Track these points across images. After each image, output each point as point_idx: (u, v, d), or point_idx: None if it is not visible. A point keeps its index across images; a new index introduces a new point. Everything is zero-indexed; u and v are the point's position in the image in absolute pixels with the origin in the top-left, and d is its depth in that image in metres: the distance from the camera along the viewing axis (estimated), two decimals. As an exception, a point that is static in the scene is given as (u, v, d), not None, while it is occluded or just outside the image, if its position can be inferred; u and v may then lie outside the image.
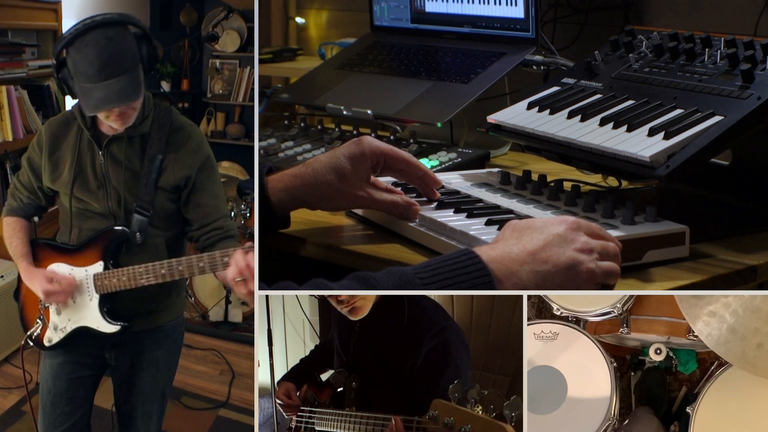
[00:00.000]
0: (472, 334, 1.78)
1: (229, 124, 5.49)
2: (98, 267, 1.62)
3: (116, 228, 1.62)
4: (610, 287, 1.07)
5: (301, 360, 1.81)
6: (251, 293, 1.38)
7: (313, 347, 1.85)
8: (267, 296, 1.56)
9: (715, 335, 1.24)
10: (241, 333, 3.60)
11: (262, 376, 1.71)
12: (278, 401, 1.67)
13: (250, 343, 3.49)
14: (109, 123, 1.57)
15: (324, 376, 1.72)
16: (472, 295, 1.79)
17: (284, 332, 2.14)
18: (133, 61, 1.50)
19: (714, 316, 1.24)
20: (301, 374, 1.73)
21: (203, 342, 3.50)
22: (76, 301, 1.65)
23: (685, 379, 1.49)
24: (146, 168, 1.59)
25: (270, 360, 1.66)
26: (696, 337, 1.30)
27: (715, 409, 1.31)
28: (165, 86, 5.34)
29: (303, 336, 2.12)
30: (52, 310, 1.69)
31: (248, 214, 3.93)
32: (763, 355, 1.22)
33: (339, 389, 1.57)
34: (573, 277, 1.01)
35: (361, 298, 1.47)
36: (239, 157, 5.21)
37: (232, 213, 3.89)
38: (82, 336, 1.68)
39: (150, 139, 1.60)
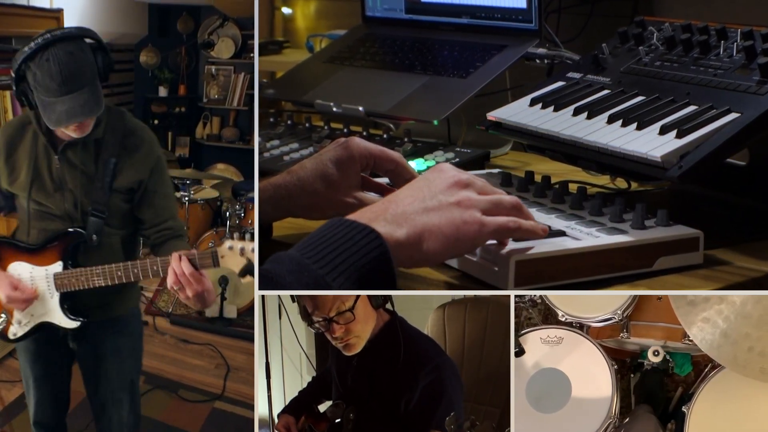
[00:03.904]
0: (464, 366, 1.86)
1: (225, 128, 6.11)
2: (58, 267, 1.79)
3: (74, 231, 1.79)
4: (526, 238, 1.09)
5: (300, 392, 1.88)
6: (189, 298, 1.59)
7: (310, 379, 1.93)
8: (263, 297, 1.69)
9: (708, 339, 1.40)
10: (236, 328, 3.96)
11: (260, 409, 1.85)
12: None
13: (245, 338, 3.87)
14: (69, 133, 1.71)
15: (321, 407, 1.81)
16: (464, 330, 1.89)
17: (282, 365, 2.24)
18: (92, 74, 1.65)
19: (708, 321, 1.39)
20: (300, 406, 1.82)
21: (199, 337, 3.92)
22: (38, 298, 1.82)
23: (681, 381, 1.66)
24: (101, 171, 1.75)
25: (268, 392, 1.81)
26: (691, 341, 1.46)
27: (709, 409, 1.47)
28: (163, 91, 6.00)
29: (300, 369, 2.23)
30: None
31: (243, 215, 4.23)
32: (753, 358, 1.36)
33: (336, 421, 1.63)
34: (460, 216, 1.02)
35: (354, 336, 1.56)
36: (234, 159, 5.91)
37: (227, 213, 4.08)
38: (45, 328, 1.86)
39: (104, 143, 1.76)
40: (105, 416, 2.02)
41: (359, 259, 0.97)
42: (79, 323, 1.82)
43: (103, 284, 1.74)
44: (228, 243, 1.53)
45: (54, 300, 1.81)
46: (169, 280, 1.58)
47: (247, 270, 1.52)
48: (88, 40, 1.68)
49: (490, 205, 1.06)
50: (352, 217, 1.02)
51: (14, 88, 1.67)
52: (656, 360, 1.62)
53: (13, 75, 1.65)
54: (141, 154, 1.79)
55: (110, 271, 1.72)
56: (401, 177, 1.30)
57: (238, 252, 1.51)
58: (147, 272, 1.69)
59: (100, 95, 1.66)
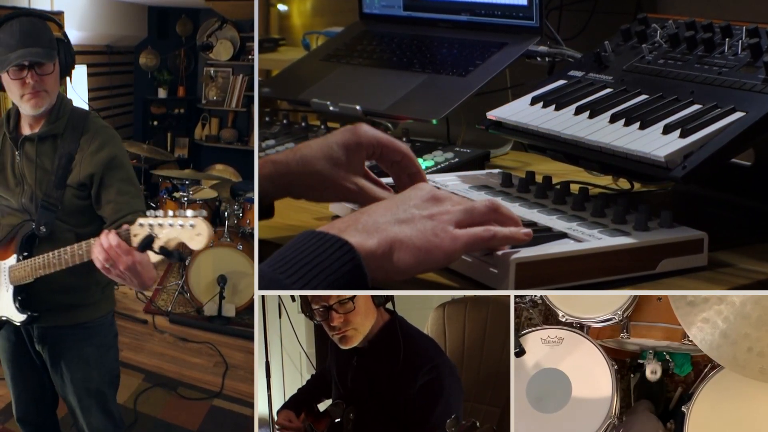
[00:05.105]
0: (464, 366, 1.87)
1: (223, 129, 6.21)
2: (12, 260, 1.84)
3: (23, 222, 1.84)
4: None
5: (299, 390, 1.89)
6: (121, 275, 1.57)
7: (309, 378, 1.94)
8: (263, 297, 1.72)
9: (708, 340, 1.41)
10: (234, 327, 4.02)
11: (260, 408, 1.86)
12: (279, 427, 1.77)
13: (243, 336, 3.92)
14: (24, 105, 1.77)
15: (321, 406, 1.82)
16: (464, 329, 1.90)
17: (281, 364, 2.24)
18: (51, 44, 1.76)
19: (707, 322, 1.41)
20: (299, 403, 1.83)
21: (198, 335, 3.97)
22: None
23: (680, 381, 1.69)
24: (56, 166, 1.80)
25: (268, 391, 1.82)
26: (691, 341, 1.48)
27: (709, 408, 1.49)
28: (162, 93, 6.12)
29: (300, 368, 2.25)
30: None
31: (241, 215, 4.28)
32: (752, 358, 1.38)
33: (336, 420, 1.64)
34: (432, 229, 1.01)
35: (352, 328, 1.57)
36: (233, 160, 5.98)
37: (225, 213, 4.10)
38: (12, 327, 1.91)
39: (62, 139, 1.82)
40: (78, 421, 2.04)
41: (332, 273, 0.96)
42: (26, 316, 1.84)
43: (43, 273, 1.76)
44: (140, 220, 1.51)
45: (9, 294, 1.85)
46: (100, 258, 1.56)
47: (143, 244, 1.49)
48: (56, 31, 1.80)
49: (463, 215, 1.04)
50: (323, 228, 1.01)
51: None
52: (654, 378, 1.64)
53: None
54: (93, 149, 1.81)
55: (48, 259, 1.74)
56: (406, 170, 1.28)
57: (147, 229, 1.50)
58: (75, 257, 1.69)
59: (54, 56, 1.77)
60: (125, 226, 1.53)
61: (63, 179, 1.80)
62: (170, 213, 1.47)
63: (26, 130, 1.85)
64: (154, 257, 1.52)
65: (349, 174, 1.23)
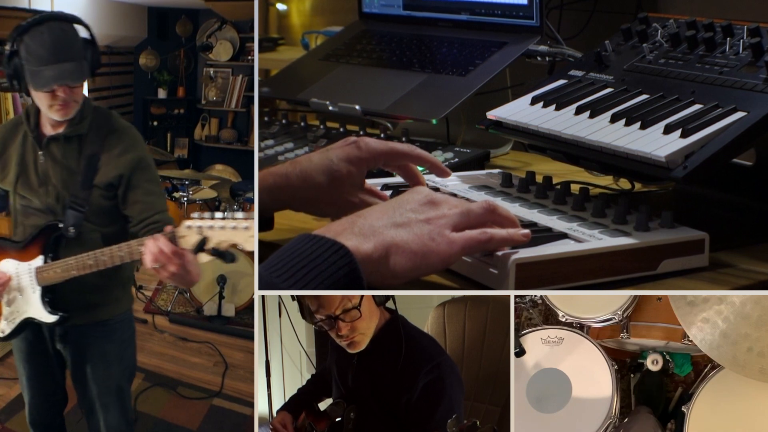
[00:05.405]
0: (464, 365, 1.86)
1: (223, 129, 6.23)
2: (39, 261, 1.82)
3: (51, 223, 1.82)
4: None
5: (299, 390, 1.87)
6: (172, 275, 1.56)
7: (309, 377, 1.93)
8: (263, 297, 1.71)
9: (708, 340, 1.41)
10: (234, 326, 4.01)
11: (260, 407, 1.88)
12: (272, 428, 1.76)
13: (243, 336, 3.91)
14: (52, 114, 1.76)
15: (322, 405, 1.81)
16: (464, 328, 1.90)
17: (281, 363, 2.25)
18: (81, 53, 1.73)
19: (707, 322, 1.41)
20: (299, 404, 1.82)
21: (198, 335, 3.97)
22: (23, 294, 1.86)
23: (680, 381, 1.68)
24: (82, 166, 1.80)
25: (268, 390, 1.84)
26: (691, 341, 1.48)
27: (709, 409, 1.48)
28: (162, 93, 6.15)
29: (300, 368, 2.26)
30: (3, 302, 1.90)
31: None
32: (752, 358, 1.38)
33: (337, 419, 1.63)
34: (428, 233, 1.01)
35: (360, 333, 1.56)
36: (232, 160, 6.01)
37: (224, 213, 4.06)
38: (31, 327, 1.91)
39: (87, 140, 1.81)
40: (94, 418, 2.04)
41: (328, 277, 0.95)
42: (57, 317, 1.83)
43: (76, 274, 1.75)
44: (187, 222, 1.50)
45: (36, 295, 1.84)
46: (148, 259, 1.55)
47: (198, 247, 1.49)
48: (83, 34, 1.75)
49: (460, 217, 1.04)
50: (319, 231, 1.00)
51: (6, 63, 1.71)
52: (655, 369, 1.64)
53: (6, 50, 1.70)
54: (120, 150, 1.81)
55: (82, 260, 1.73)
56: (414, 177, 1.29)
57: (195, 231, 1.50)
58: (114, 258, 1.70)
59: (85, 72, 1.74)
60: (168, 228, 1.53)
61: (90, 180, 1.79)
62: (218, 215, 1.47)
63: (49, 130, 1.83)
64: (203, 258, 1.52)
65: (349, 188, 1.24)
